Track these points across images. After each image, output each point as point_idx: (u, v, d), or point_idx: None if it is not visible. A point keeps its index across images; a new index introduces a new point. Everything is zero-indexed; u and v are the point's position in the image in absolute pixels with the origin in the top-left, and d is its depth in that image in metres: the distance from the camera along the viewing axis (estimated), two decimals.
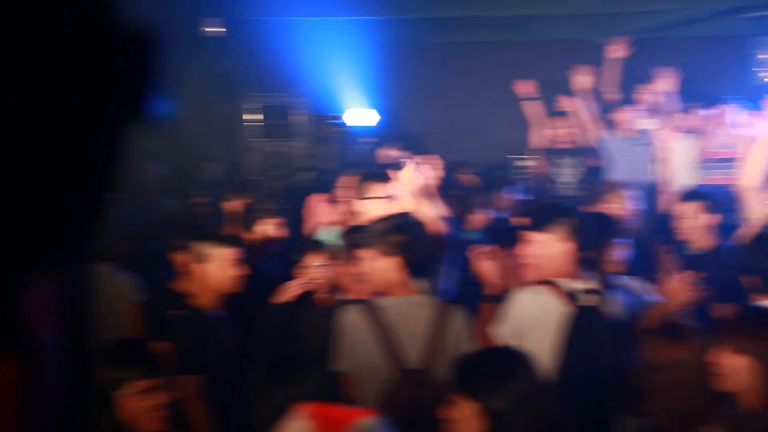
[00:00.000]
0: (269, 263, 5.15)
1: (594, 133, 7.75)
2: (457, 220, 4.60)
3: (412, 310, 3.76)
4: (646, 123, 7.77)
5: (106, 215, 0.86)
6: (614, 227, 4.52)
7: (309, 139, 11.13)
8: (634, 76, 8.19)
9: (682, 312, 3.76)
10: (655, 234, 5.97)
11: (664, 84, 7.89)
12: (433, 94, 11.24)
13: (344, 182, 5.27)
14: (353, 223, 4.60)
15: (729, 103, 7.31)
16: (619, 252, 4.42)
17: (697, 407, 3.09)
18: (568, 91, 8.08)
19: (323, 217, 5.41)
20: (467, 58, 11.38)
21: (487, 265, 4.10)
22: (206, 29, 9.27)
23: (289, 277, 4.63)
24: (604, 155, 7.67)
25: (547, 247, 3.88)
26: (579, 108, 7.89)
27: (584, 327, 3.71)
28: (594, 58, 8.35)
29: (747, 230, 4.74)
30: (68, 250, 0.85)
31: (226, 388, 4.01)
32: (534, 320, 3.76)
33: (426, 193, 4.40)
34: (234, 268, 4.30)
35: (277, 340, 4.42)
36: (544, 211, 4.08)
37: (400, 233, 3.81)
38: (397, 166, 4.63)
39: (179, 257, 4.50)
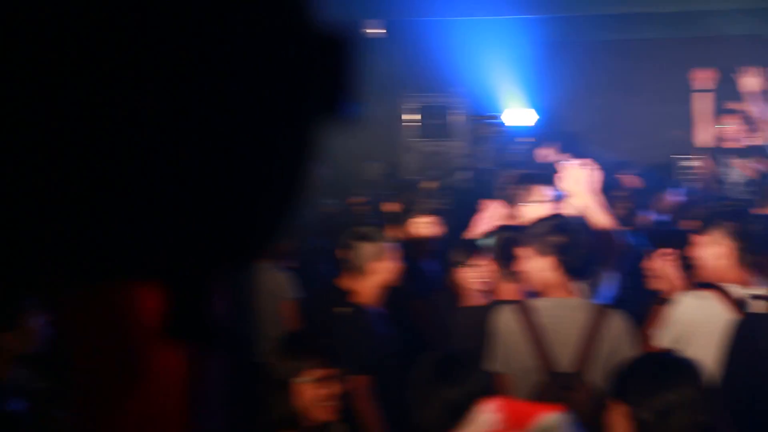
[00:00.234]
0: (427, 262, 5.19)
1: (764, 133, 7.43)
2: (618, 222, 4.51)
3: (566, 312, 3.71)
4: None
5: (293, 215, 0.90)
6: None
7: (466, 139, 11.13)
8: None
9: None
10: None
11: None
12: (593, 93, 11.04)
13: (504, 183, 5.26)
14: (512, 223, 4.59)
15: None
16: None
17: None
18: (736, 89, 7.77)
19: (486, 218, 5.42)
20: (628, 55, 11.12)
21: (651, 269, 4.01)
22: (367, 30, 9.42)
23: (447, 277, 4.66)
24: None
25: (713, 251, 3.76)
26: (748, 107, 7.58)
27: (751, 335, 3.57)
28: (765, 54, 8.00)
29: None
30: (255, 248, 0.89)
31: (389, 385, 4.07)
32: (697, 326, 3.65)
33: (589, 194, 4.34)
34: (393, 265, 4.39)
35: (438, 339, 4.46)
36: (710, 213, 3.95)
37: (558, 234, 3.77)
38: (555, 167, 4.58)
39: (341, 254, 4.60)
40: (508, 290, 4.12)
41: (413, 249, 5.05)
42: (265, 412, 3.25)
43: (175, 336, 1.02)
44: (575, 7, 9.10)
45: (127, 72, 0.78)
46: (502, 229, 4.44)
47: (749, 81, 7.55)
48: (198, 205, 0.86)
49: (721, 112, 8.09)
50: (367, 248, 4.38)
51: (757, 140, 7.55)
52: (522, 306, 3.75)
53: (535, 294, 3.81)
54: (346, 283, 4.44)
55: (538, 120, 10.73)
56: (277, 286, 4.96)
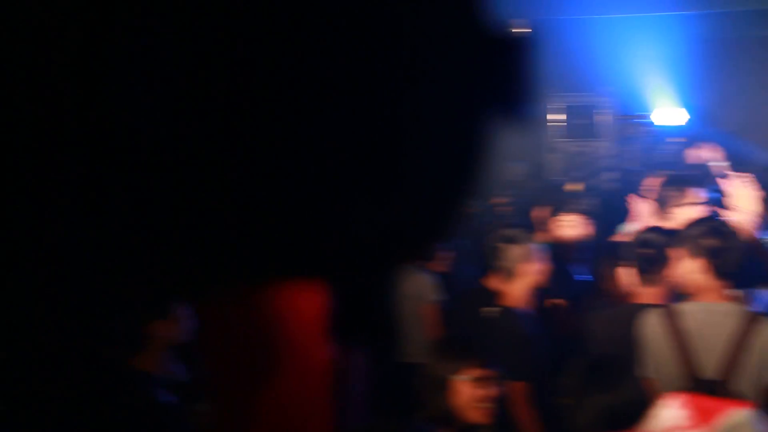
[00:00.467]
0: (574, 265, 5.11)
1: None
2: None
3: (715, 317, 3.59)
4: None
5: (459, 216, 0.90)
6: None
7: (613, 139, 10.90)
8: None
9: None
10: None
11: None
12: (746, 91, 10.62)
13: (653, 184, 5.13)
14: (664, 226, 4.48)
15: None
16: None
17: None
18: None
19: (635, 219, 5.30)
20: None
21: None
22: (513, 30, 9.34)
23: (593, 280, 4.59)
24: None
25: None
26: None
27: None
28: None
29: None
30: (419, 249, 0.89)
31: (540, 389, 4.03)
32: None
33: (753, 211, 4.25)
34: (542, 267, 4.38)
35: (585, 342, 4.39)
36: None
37: (711, 236, 3.67)
38: (707, 168, 4.47)
39: (488, 256, 4.60)
40: (653, 293, 4.05)
41: (560, 251, 4.99)
42: (420, 409, 3.27)
43: (340, 334, 1.03)
44: (729, 3, 8.78)
45: (316, 78, 0.80)
46: (650, 230, 4.35)
47: None
48: (367, 206, 0.86)
49: None
50: (515, 250, 4.38)
51: None
52: (668, 310, 3.67)
53: (681, 297, 3.72)
54: (494, 284, 4.43)
55: (690, 119, 10.40)
56: (419, 288, 4.99)
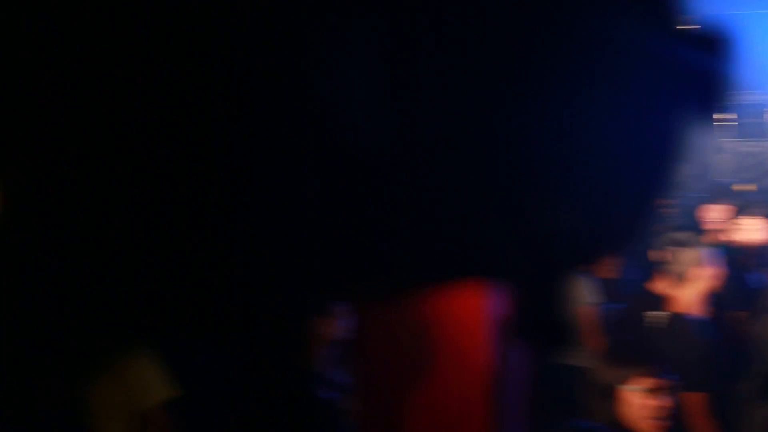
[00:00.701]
0: (750, 270, 4.90)
1: None
2: None
3: None
4: None
5: (648, 218, 0.88)
6: None
7: None
8: None
9: None
10: None
11: None
12: None
13: None
14: None
15: None
16: None
17: None
18: None
19: None
20: None
21: None
22: (682, 26, 9.06)
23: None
24: None
25: None
26: None
27: None
28: None
29: None
30: (605, 251, 0.88)
31: (720, 398, 3.84)
32: None
33: None
34: (716, 272, 4.25)
35: (759, 351, 4.21)
36: None
37: None
38: None
39: (657, 260, 4.47)
40: None
41: (736, 256, 4.81)
42: (586, 417, 3.18)
43: (523, 336, 1.02)
44: None
45: (506, 81, 0.79)
46: None
47: None
48: (555, 209, 0.85)
49: None
50: (687, 255, 4.26)
51: None
52: None
53: None
54: (662, 288, 4.31)
55: None
56: (579, 291, 4.89)
